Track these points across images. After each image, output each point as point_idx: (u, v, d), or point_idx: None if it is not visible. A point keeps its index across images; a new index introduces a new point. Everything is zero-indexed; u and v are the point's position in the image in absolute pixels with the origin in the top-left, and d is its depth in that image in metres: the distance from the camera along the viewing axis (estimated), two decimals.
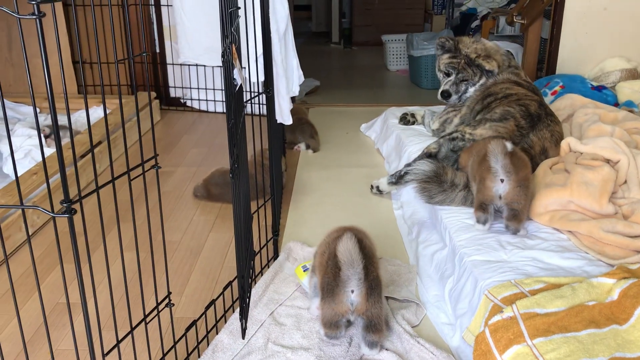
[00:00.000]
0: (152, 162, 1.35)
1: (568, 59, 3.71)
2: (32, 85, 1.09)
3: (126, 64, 4.31)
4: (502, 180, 1.99)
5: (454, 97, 2.90)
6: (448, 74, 2.92)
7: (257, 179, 2.30)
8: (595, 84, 3.39)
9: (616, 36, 3.64)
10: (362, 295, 1.64)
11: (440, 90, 2.94)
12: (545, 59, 3.88)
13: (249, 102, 1.94)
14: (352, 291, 1.64)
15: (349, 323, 1.74)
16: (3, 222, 2.33)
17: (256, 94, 2.09)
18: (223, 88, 1.64)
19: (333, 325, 1.71)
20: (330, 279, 1.65)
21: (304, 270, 2.07)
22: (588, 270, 1.80)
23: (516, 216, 2.02)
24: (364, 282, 1.63)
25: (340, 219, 2.62)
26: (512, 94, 2.64)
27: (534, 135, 2.43)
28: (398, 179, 2.70)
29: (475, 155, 2.15)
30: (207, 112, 4.42)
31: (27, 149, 2.96)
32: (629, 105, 3.12)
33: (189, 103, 4.45)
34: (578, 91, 3.26)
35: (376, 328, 1.69)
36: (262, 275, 2.18)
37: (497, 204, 2.03)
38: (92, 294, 1.22)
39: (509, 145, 2.03)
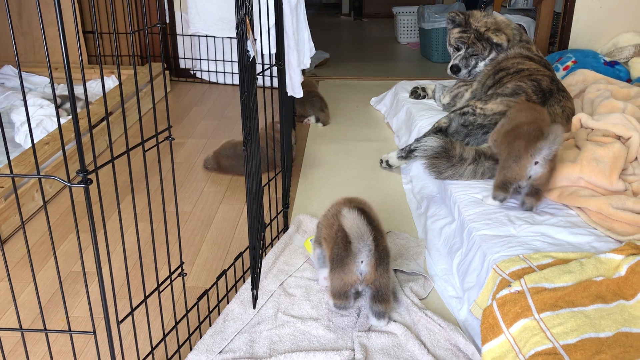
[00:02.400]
0: (166, 133, 1.36)
1: (581, 34, 3.67)
2: (48, 55, 1.10)
3: (135, 35, 4.30)
4: (536, 163, 1.98)
5: (464, 72, 2.89)
6: (458, 49, 2.90)
7: (267, 152, 2.31)
8: (608, 59, 3.36)
9: (631, 11, 3.59)
10: (371, 265, 1.66)
11: (449, 65, 2.92)
12: (558, 33, 3.84)
13: (261, 74, 1.94)
14: (362, 261, 1.66)
15: (358, 294, 1.77)
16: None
17: (268, 66, 2.09)
18: (237, 60, 1.64)
19: (342, 296, 1.74)
20: (340, 250, 1.67)
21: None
22: (596, 246, 1.81)
23: (537, 194, 2.01)
24: (374, 253, 1.65)
25: (350, 192, 2.64)
26: (524, 68, 2.63)
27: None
28: (407, 153, 2.70)
29: (514, 126, 2.10)
30: (217, 83, 4.41)
31: (39, 119, 2.98)
32: None
33: (198, 74, 4.44)
34: (590, 66, 3.24)
35: (383, 298, 1.72)
36: (272, 247, 2.21)
37: (523, 184, 2.02)
38: (107, 262, 1.24)
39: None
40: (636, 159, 2.17)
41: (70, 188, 1.20)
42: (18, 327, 1.32)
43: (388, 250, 1.71)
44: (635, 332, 1.46)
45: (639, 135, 2.17)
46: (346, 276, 1.69)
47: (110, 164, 1.25)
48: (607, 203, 1.92)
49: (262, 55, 1.98)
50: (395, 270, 2.06)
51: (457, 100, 2.96)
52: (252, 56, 1.69)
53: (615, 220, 1.91)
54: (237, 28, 1.51)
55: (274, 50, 2.12)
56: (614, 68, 3.28)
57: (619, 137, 2.22)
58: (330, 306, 1.83)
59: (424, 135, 2.60)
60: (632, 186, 2.05)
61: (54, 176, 1.18)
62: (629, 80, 3.22)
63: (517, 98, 2.44)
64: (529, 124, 2.05)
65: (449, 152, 2.29)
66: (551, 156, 1.96)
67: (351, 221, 1.61)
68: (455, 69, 2.90)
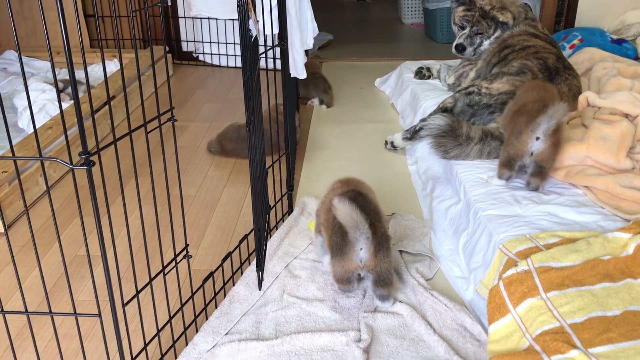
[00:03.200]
0: (168, 115, 1.35)
1: (587, 12, 3.62)
2: (49, 39, 1.08)
3: (137, 18, 4.26)
4: (537, 138, 1.96)
5: (469, 50, 2.85)
6: (462, 27, 2.86)
7: (271, 135, 2.29)
8: (615, 37, 3.32)
9: None
10: (370, 252, 1.65)
11: (454, 44, 2.89)
12: (564, 11, 3.79)
13: (264, 54, 1.91)
14: (361, 249, 1.66)
15: (361, 278, 1.76)
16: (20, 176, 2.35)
17: (270, 46, 2.06)
18: (239, 39, 1.62)
19: (345, 281, 1.74)
20: (338, 239, 1.67)
21: None
22: (604, 225, 1.80)
23: (542, 173, 2.00)
24: (372, 240, 1.64)
25: (354, 174, 2.61)
26: (530, 46, 2.59)
27: None
28: (413, 134, 2.68)
29: (520, 105, 2.09)
30: (219, 66, 4.38)
31: (42, 104, 2.97)
32: None
33: (201, 57, 4.41)
34: (597, 45, 3.19)
35: (385, 282, 1.71)
36: (277, 229, 2.20)
37: (526, 161, 2.01)
38: (112, 246, 1.23)
39: (567, 114, 1.94)
40: None
41: (73, 171, 1.19)
42: (24, 310, 1.32)
43: (387, 235, 1.69)
44: None
45: None
46: (346, 264, 1.68)
47: (113, 146, 1.23)
48: (615, 182, 1.91)
49: (265, 35, 1.96)
50: (401, 252, 2.05)
51: (462, 80, 2.93)
52: (254, 35, 1.67)
53: (622, 199, 1.89)
54: (238, 6, 1.49)
55: (276, 31, 2.09)
56: (621, 46, 3.24)
57: (626, 115, 2.20)
58: (335, 289, 1.83)
59: (429, 116, 2.58)
60: None
61: (56, 158, 1.17)
62: (636, 58, 3.18)
63: (523, 77, 2.41)
64: (534, 102, 2.03)
65: (455, 131, 2.27)
66: (551, 131, 1.93)
67: (344, 212, 1.59)
68: (460, 48, 2.87)
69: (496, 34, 2.79)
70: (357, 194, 1.74)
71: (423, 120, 2.59)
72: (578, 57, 3.03)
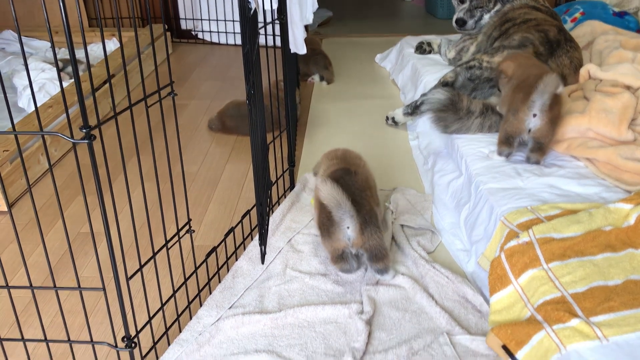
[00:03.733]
0: (168, 89, 1.34)
1: None
2: (48, 19, 1.07)
3: None
4: (534, 115, 1.95)
5: (470, 24, 2.83)
6: (462, 1, 2.84)
7: (272, 111, 2.29)
8: (617, 9, 3.29)
9: None
10: (356, 230, 1.66)
11: (454, 18, 2.87)
12: None
13: (264, 28, 1.90)
14: (348, 227, 1.66)
15: (357, 255, 1.77)
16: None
17: (270, 21, 2.05)
18: (238, 16, 1.60)
19: (339, 259, 1.74)
20: (324, 219, 1.67)
21: None
22: (605, 197, 1.80)
23: (541, 149, 1.99)
24: (357, 218, 1.64)
25: (356, 150, 2.62)
26: (531, 19, 2.57)
27: (553, 62, 2.38)
28: (414, 109, 2.68)
29: (515, 81, 2.08)
30: (219, 44, 4.36)
31: (41, 83, 2.96)
32: None
33: (200, 35, 4.38)
34: (599, 17, 3.17)
35: (378, 257, 1.71)
36: (278, 205, 2.20)
37: (525, 138, 2.00)
38: (115, 222, 1.24)
39: (561, 87, 1.94)
40: None
41: (75, 148, 1.19)
42: (29, 285, 1.33)
43: (374, 211, 1.69)
44: None
45: None
46: (334, 243, 1.70)
47: (115, 124, 1.23)
48: (616, 153, 1.90)
49: (264, 11, 1.94)
50: (403, 226, 2.06)
51: (463, 55, 2.91)
52: (253, 8, 1.66)
53: (624, 171, 1.89)
54: None
55: (275, 5, 2.08)
56: (623, 19, 3.21)
57: (628, 87, 2.19)
58: (336, 270, 1.82)
59: (430, 90, 2.57)
60: None
61: (57, 132, 1.17)
62: (638, 30, 3.16)
63: (524, 50, 2.40)
64: (533, 77, 2.02)
65: (456, 104, 2.26)
66: (547, 107, 1.92)
67: (326, 192, 1.59)
68: (461, 22, 2.85)
69: (496, 8, 2.77)
70: (344, 172, 1.74)
71: (424, 95, 2.59)
72: (580, 30, 3.01)
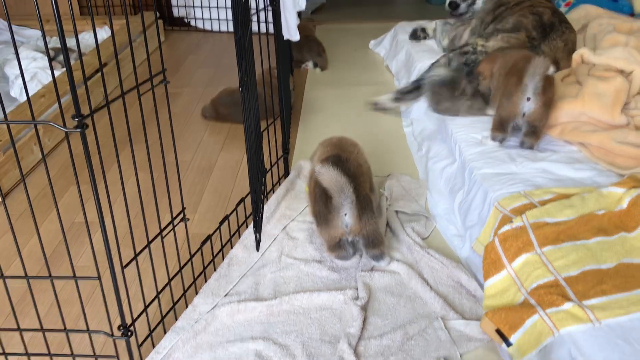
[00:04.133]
0: (161, 77, 1.34)
1: None
2: (38, 7, 1.07)
3: None
4: (528, 99, 1.95)
5: (463, 6, 2.82)
6: None
7: (265, 99, 2.28)
8: None
9: None
10: (354, 216, 1.66)
11: (447, 1, 2.86)
12: None
13: (256, 14, 1.89)
14: (345, 214, 1.66)
15: (352, 243, 1.77)
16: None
17: (262, 7, 2.04)
18: (230, 2, 1.59)
19: (336, 247, 1.75)
20: (321, 207, 1.67)
21: None
22: (598, 181, 1.81)
23: (535, 133, 2.00)
24: (356, 204, 1.65)
25: (350, 137, 2.62)
26: (524, 0, 2.57)
27: (546, 46, 2.38)
28: (406, 93, 2.67)
29: (504, 68, 2.09)
30: (211, 31, 4.33)
31: (33, 72, 2.94)
32: None
33: (192, 23, 4.36)
34: (593, 1, 3.16)
35: (375, 243, 1.72)
36: (273, 192, 2.21)
37: (519, 122, 2.00)
38: (109, 212, 1.24)
39: (552, 69, 1.95)
40: (638, 93, 2.14)
41: (67, 137, 1.19)
42: (24, 275, 1.33)
43: (369, 197, 1.70)
44: (637, 263, 1.47)
45: None
46: (332, 230, 1.70)
47: (107, 114, 1.23)
48: (610, 137, 1.91)
49: None
50: (397, 212, 2.06)
51: (456, 42, 2.91)
52: None
53: (617, 155, 1.90)
54: None
55: None
56: (617, 3, 3.21)
57: (621, 72, 2.19)
58: (332, 258, 1.83)
59: (426, 71, 2.57)
60: (635, 120, 2.03)
61: (49, 122, 1.17)
62: (632, 14, 3.16)
63: (518, 34, 2.40)
64: (508, 57, 2.04)
65: (455, 83, 2.28)
66: (540, 90, 1.93)
67: (328, 176, 1.59)
68: (454, 5, 2.84)
69: None
70: (335, 158, 1.74)
71: (421, 78, 2.59)
72: (574, 14, 3.00)
